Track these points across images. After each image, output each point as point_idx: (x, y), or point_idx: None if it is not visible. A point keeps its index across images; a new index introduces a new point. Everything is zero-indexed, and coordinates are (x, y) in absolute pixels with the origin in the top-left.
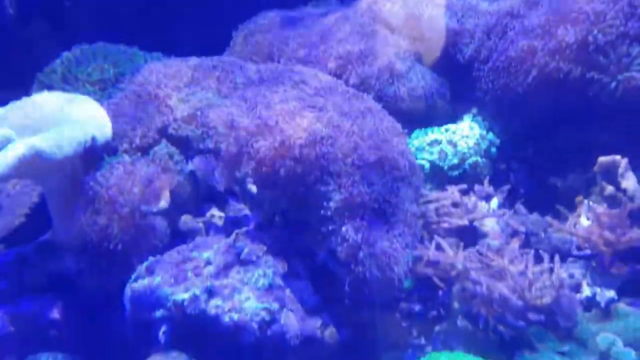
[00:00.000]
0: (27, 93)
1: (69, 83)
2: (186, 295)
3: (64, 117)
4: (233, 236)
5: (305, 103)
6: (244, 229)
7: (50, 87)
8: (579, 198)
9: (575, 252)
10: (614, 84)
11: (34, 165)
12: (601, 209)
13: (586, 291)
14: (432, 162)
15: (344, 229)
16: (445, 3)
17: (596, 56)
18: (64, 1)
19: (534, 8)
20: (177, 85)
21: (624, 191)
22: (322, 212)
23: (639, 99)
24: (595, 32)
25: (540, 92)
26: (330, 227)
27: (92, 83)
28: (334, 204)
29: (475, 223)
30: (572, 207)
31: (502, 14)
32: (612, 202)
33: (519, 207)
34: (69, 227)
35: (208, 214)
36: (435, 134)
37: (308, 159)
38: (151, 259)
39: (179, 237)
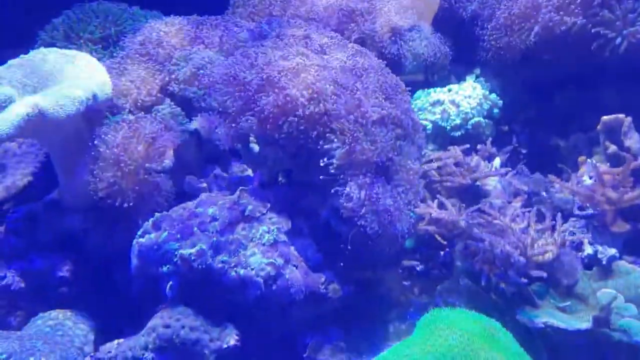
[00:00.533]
0: (28, 51)
1: (71, 41)
2: (193, 250)
3: (64, 75)
4: (237, 193)
5: (309, 60)
6: (249, 187)
7: (52, 45)
8: (582, 158)
9: (577, 212)
10: (619, 40)
11: (36, 124)
12: (604, 167)
13: (588, 249)
14: (434, 123)
15: (347, 186)
16: None
17: (601, 11)
18: None
19: None
20: (180, 43)
21: (627, 149)
22: (325, 169)
23: None
24: None
25: (543, 50)
26: (332, 185)
27: (94, 41)
28: (337, 161)
29: (478, 182)
30: (575, 168)
31: None
32: (615, 160)
33: (522, 167)
34: (74, 185)
35: (211, 175)
36: (437, 93)
37: (311, 116)
38: (157, 215)
39: (184, 197)
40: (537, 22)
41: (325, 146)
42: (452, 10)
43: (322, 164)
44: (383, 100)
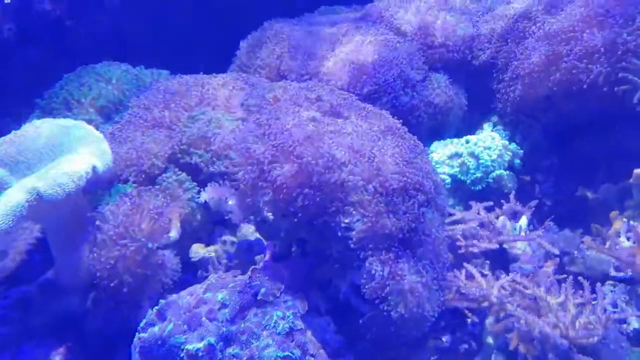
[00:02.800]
0: (26, 117)
1: (71, 108)
2: (200, 345)
3: (60, 148)
4: (249, 273)
5: (322, 126)
6: (260, 263)
7: (51, 114)
8: (614, 213)
9: (613, 274)
10: None
11: (35, 208)
12: None
13: (634, 323)
14: (453, 176)
15: (368, 262)
16: (460, 7)
17: (626, 57)
18: (65, 21)
19: (552, 11)
20: (188, 104)
21: None
22: (343, 241)
23: None
24: (625, 35)
25: (564, 98)
26: (352, 259)
27: (96, 107)
28: (356, 234)
29: (505, 245)
30: (606, 221)
31: (519, 17)
32: None
33: (549, 224)
34: (73, 265)
35: (219, 240)
36: (455, 146)
37: (328, 187)
38: (162, 302)
39: (190, 267)
40: (559, 70)
41: (344, 218)
42: (464, 58)
43: (340, 239)
44: (403, 165)
